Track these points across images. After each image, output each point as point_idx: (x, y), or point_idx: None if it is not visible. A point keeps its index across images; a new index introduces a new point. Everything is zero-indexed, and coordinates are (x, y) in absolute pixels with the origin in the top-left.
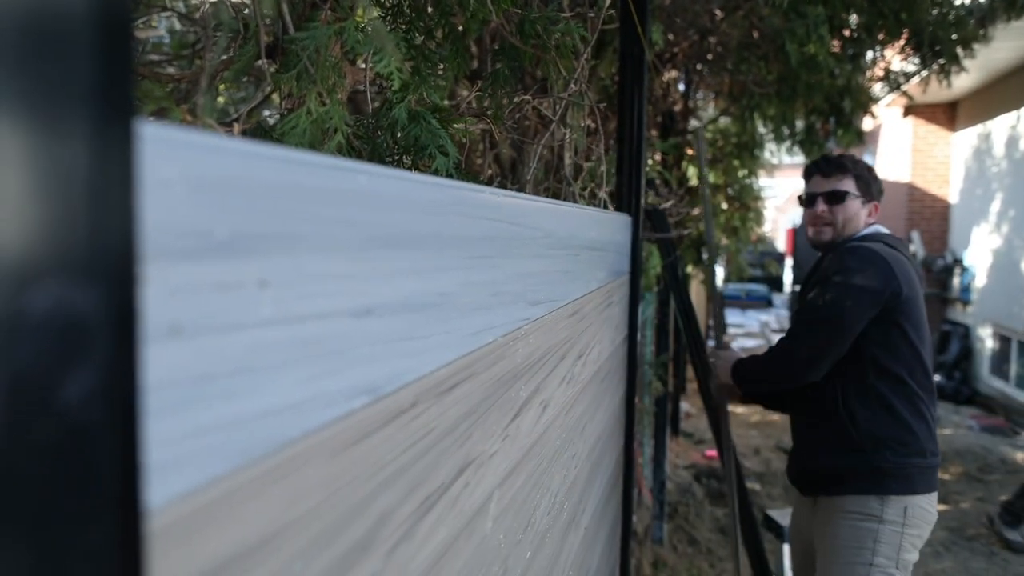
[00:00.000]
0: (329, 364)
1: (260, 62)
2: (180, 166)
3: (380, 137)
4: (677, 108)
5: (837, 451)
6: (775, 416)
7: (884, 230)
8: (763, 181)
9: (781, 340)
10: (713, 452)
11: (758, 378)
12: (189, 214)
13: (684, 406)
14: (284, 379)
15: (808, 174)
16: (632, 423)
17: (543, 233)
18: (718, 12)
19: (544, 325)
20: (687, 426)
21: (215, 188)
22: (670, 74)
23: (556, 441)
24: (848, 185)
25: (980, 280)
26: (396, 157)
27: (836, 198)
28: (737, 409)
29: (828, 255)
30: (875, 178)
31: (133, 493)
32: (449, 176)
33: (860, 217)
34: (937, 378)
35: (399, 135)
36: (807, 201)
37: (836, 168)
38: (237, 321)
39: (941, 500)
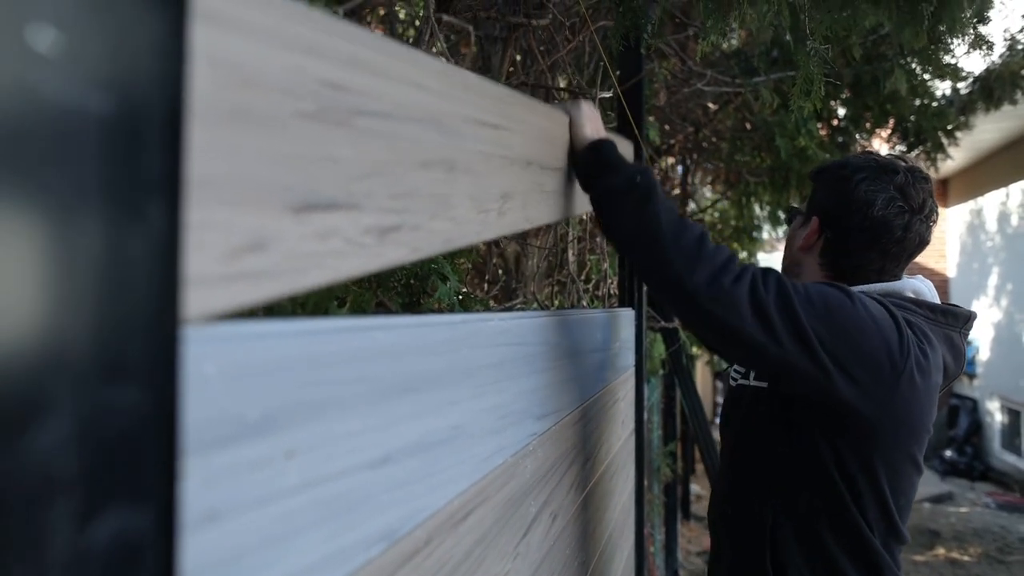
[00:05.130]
0: (349, 519)
1: None
2: (218, 360)
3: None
4: (675, 193)
5: None
6: None
7: (914, 290)
8: (767, 256)
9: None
10: None
11: (634, 229)
12: (225, 403)
13: (694, 488)
14: (307, 541)
15: None
16: (642, 515)
17: (548, 347)
18: (711, 105)
19: (552, 436)
20: (697, 509)
21: (248, 374)
22: (668, 161)
23: (566, 550)
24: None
25: (984, 353)
26: (400, 284)
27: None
28: None
29: None
30: (856, 180)
31: None
32: (451, 302)
33: (792, 245)
34: (949, 453)
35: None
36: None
37: (816, 173)
38: (266, 495)
39: None
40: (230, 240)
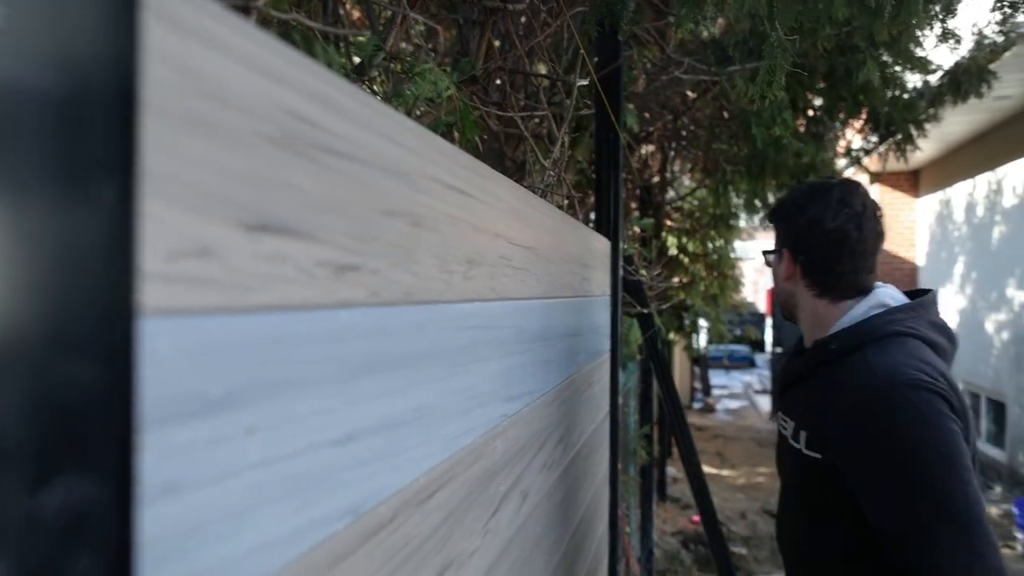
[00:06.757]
0: (312, 494)
1: None
2: (176, 337)
3: None
4: (655, 180)
5: None
6: (761, 478)
7: (891, 297)
8: (743, 244)
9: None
10: (700, 518)
11: None
12: (184, 380)
13: (670, 471)
14: (269, 515)
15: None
16: (616, 497)
17: (520, 330)
18: (690, 93)
19: (523, 418)
20: (674, 491)
21: (208, 352)
22: (647, 148)
23: (537, 528)
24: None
25: None
26: None
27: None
28: (722, 472)
29: (821, 366)
30: (814, 215)
31: None
32: None
33: (779, 280)
34: None
35: None
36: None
37: (770, 214)
38: (226, 470)
39: None
40: (172, 241)
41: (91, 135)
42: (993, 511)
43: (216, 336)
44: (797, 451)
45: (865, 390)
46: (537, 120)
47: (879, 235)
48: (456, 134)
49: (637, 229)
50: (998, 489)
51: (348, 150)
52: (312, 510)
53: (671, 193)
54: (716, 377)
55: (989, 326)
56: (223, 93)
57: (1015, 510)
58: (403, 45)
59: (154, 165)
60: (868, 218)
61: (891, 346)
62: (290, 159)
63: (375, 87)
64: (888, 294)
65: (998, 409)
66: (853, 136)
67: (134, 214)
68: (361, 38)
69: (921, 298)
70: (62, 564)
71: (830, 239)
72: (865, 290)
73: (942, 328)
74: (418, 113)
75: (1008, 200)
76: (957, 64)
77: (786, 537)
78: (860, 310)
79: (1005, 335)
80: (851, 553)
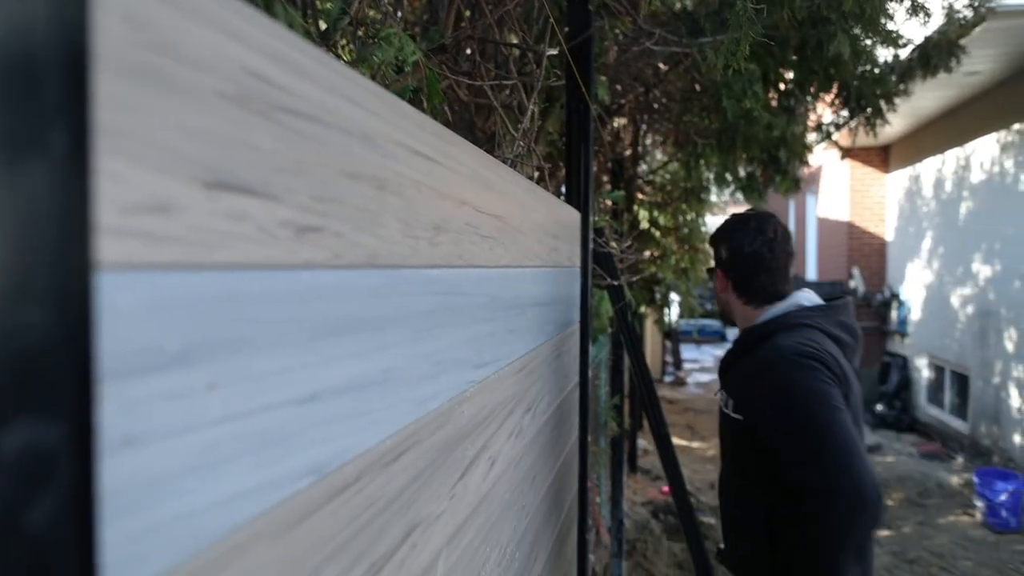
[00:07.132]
0: (275, 451)
1: None
2: (134, 292)
3: None
4: (627, 153)
5: None
6: None
7: (807, 299)
8: (715, 218)
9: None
10: (669, 488)
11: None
12: (141, 334)
13: (641, 443)
14: (232, 470)
15: None
16: (586, 467)
17: (488, 298)
18: (662, 65)
19: (490, 385)
20: (644, 463)
21: (166, 307)
22: (620, 121)
23: (505, 494)
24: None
25: (915, 313)
26: None
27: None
28: (692, 444)
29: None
30: (738, 239)
31: None
32: None
33: (717, 293)
34: (879, 407)
35: None
36: None
37: (709, 241)
38: (187, 424)
39: (884, 526)
40: (128, 196)
41: (42, 88)
42: (955, 480)
43: (175, 292)
44: (728, 416)
45: (769, 361)
46: (507, 91)
47: (789, 254)
48: (425, 102)
49: (608, 202)
50: (960, 459)
51: (310, 111)
52: (275, 467)
53: (643, 166)
54: (687, 351)
55: (955, 300)
56: (179, 49)
57: (975, 479)
58: (371, 12)
59: (108, 120)
60: (779, 241)
61: (796, 333)
62: (249, 118)
63: (341, 54)
64: (805, 296)
65: (961, 382)
66: (824, 111)
67: (88, 168)
68: (329, 4)
69: (834, 302)
70: (24, 510)
71: (748, 261)
72: (783, 296)
73: (848, 327)
74: (387, 82)
75: (976, 176)
76: (927, 39)
77: (725, 503)
78: (779, 308)
79: (970, 309)
80: (770, 519)
